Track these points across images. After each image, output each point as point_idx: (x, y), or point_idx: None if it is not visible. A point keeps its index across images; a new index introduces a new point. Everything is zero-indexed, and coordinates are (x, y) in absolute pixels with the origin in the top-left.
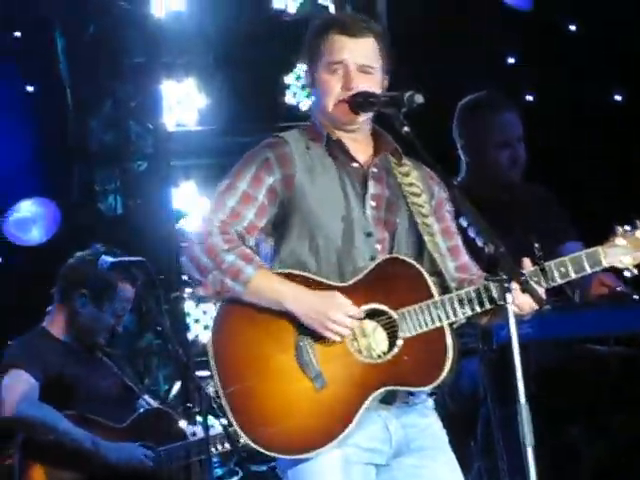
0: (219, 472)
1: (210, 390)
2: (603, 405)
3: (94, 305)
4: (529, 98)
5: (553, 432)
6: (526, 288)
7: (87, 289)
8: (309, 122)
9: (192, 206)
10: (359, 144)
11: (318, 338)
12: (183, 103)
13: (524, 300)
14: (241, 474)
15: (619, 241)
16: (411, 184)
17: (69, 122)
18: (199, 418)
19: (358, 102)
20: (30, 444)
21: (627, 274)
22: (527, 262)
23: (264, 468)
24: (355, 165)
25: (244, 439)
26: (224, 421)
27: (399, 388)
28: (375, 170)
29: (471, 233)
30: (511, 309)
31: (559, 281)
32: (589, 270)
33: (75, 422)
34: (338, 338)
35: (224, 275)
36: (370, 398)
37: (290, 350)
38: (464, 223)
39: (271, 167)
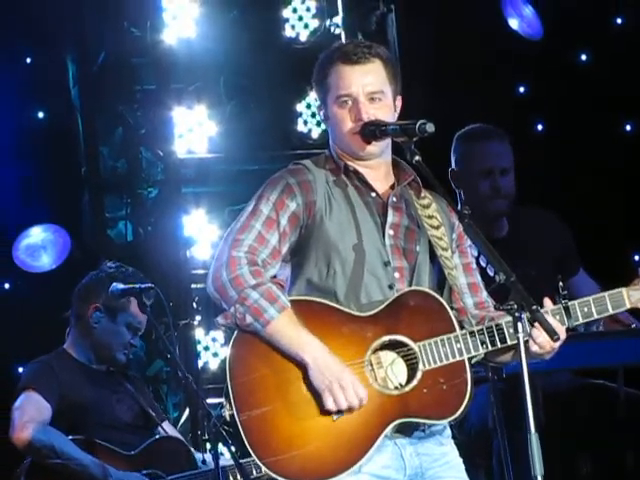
0: None
1: (226, 414)
2: (611, 439)
3: (108, 318)
4: (539, 127)
5: (562, 463)
6: (536, 318)
7: (100, 303)
8: (326, 152)
9: (202, 233)
10: (377, 173)
11: None
12: (194, 130)
13: (545, 339)
14: None
15: None
16: (430, 217)
17: (80, 149)
18: (208, 446)
19: (370, 131)
20: (37, 468)
21: None
22: (548, 301)
23: None
24: (374, 195)
25: (259, 464)
26: (234, 449)
27: (417, 420)
28: (394, 200)
29: (482, 262)
30: (522, 338)
31: (581, 321)
32: (612, 311)
33: (83, 447)
34: (333, 405)
35: (246, 311)
36: (388, 429)
37: (308, 377)
38: (475, 252)
39: (293, 193)
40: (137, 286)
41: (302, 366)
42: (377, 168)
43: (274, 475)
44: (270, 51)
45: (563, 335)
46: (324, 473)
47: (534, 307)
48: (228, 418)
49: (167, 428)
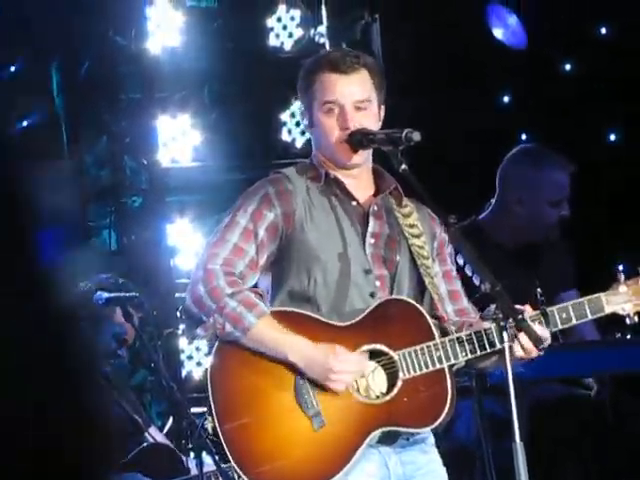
0: None
1: (208, 426)
2: (598, 446)
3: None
4: (523, 137)
5: (548, 474)
6: (522, 327)
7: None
8: (308, 160)
9: (186, 243)
10: (359, 182)
11: None
12: (178, 139)
13: (529, 344)
14: None
15: (621, 288)
16: (412, 225)
17: (64, 157)
18: (192, 455)
19: (356, 140)
20: None
21: (628, 321)
22: (528, 307)
23: None
24: (354, 204)
25: (241, 477)
26: (217, 457)
27: (398, 429)
28: (375, 208)
29: (468, 271)
30: (507, 348)
31: (560, 326)
32: (590, 316)
33: None
34: (341, 387)
35: (225, 320)
36: (368, 439)
37: (289, 388)
38: (461, 261)
39: (272, 202)
40: (121, 295)
41: (290, 368)
42: (359, 177)
43: None
44: (254, 60)
45: (548, 340)
46: None
47: (520, 316)
48: (211, 430)
49: (154, 434)
